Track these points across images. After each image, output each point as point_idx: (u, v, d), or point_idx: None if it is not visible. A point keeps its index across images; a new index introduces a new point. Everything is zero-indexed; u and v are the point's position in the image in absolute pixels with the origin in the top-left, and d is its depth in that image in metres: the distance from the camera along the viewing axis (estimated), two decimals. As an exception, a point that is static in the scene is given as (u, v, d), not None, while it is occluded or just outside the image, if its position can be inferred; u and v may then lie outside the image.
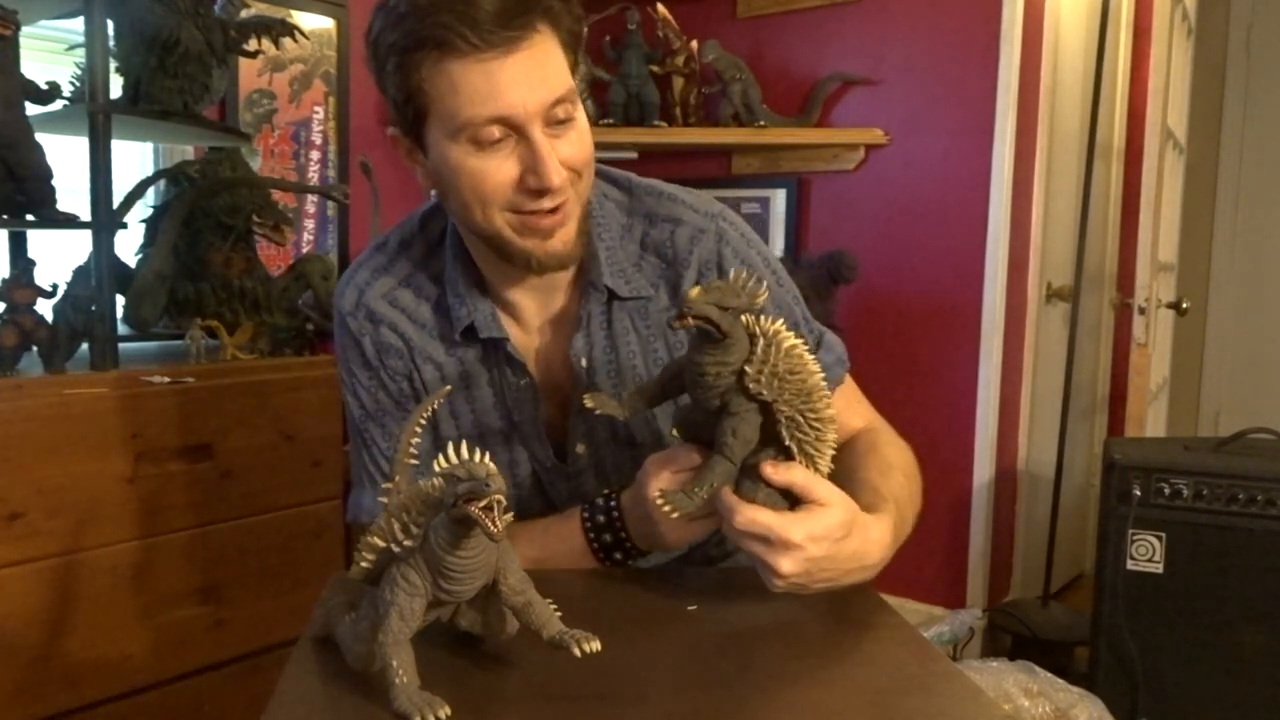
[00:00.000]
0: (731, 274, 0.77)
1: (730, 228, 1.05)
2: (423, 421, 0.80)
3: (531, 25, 0.86)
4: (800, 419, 0.81)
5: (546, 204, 0.90)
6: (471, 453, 0.66)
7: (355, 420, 1.08)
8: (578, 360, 1.02)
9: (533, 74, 0.86)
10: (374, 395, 1.05)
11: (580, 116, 0.92)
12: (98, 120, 1.56)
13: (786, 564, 0.80)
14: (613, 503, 0.95)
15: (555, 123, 0.89)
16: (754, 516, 0.81)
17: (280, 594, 1.73)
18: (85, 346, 1.57)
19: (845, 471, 0.96)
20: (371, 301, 1.04)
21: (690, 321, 0.77)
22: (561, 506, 1.04)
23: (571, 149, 0.91)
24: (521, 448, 1.05)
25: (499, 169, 0.89)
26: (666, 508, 0.81)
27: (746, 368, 0.79)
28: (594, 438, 1.05)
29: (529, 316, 1.04)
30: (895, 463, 1.04)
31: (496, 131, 0.87)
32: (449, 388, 0.88)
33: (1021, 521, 2.79)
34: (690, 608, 0.86)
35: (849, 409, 1.09)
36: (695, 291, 0.77)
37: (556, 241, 0.93)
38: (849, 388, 1.12)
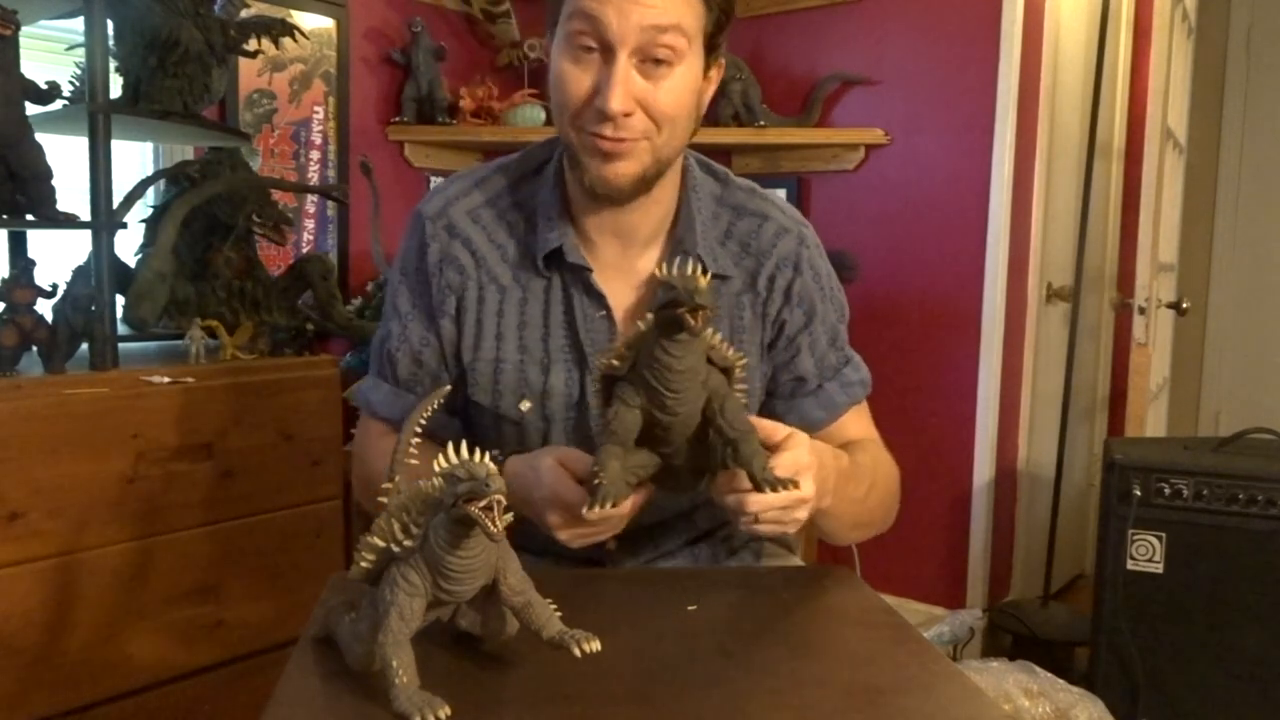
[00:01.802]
0: (689, 266, 0.76)
1: (811, 236, 1.12)
2: (422, 421, 0.80)
3: None
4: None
5: (608, 131, 0.92)
6: (471, 452, 0.66)
7: (385, 314, 1.11)
8: None
9: (643, 1, 0.88)
10: (413, 299, 1.08)
11: (684, 72, 0.94)
12: (98, 120, 1.56)
13: (807, 485, 0.85)
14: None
15: (652, 60, 0.91)
16: (763, 500, 0.83)
17: (280, 594, 1.73)
18: (85, 346, 1.56)
19: None
20: (455, 214, 1.07)
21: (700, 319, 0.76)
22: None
23: (657, 95, 0.93)
24: (575, 374, 1.06)
25: (578, 78, 0.93)
26: (606, 503, 0.79)
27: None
28: None
29: (610, 260, 1.06)
30: (871, 455, 1.09)
31: (589, 40, 0.91)
32: (447, 387, 0.88)
33: (1021, 521, 2.79)
34: (690, 608, 0.86)
35: (854, 426, 1.13)
36: (705, 281, 0.75)
37: (611, 170, 0.95)
38: (863, 409, 1.16)
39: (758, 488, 0.78)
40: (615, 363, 0.81)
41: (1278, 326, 3.67)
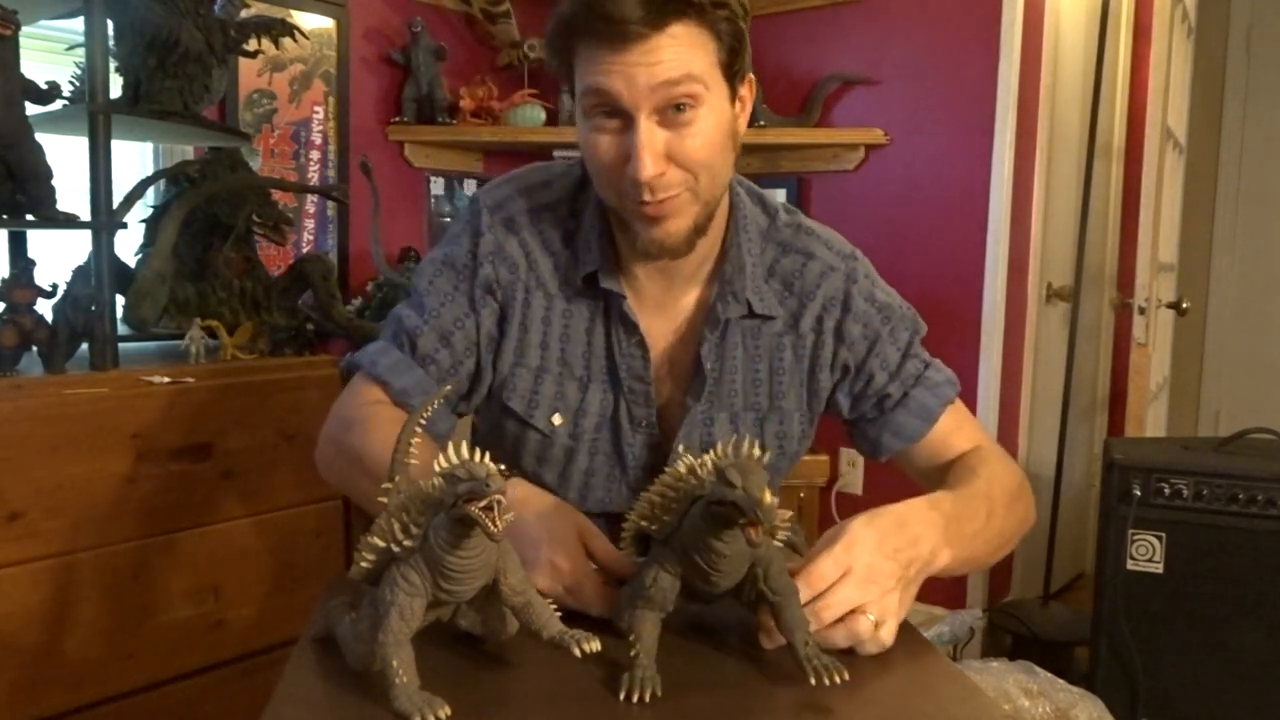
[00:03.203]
0: (745, 449, 0.71)
1: (860, 269, 1.09)
2: (423, 421, 0.80)
3: (658, 24, 0.87)
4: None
5: (645, 196, 0.91)
6: (471, 453, 0.66)
7: (415, 293, 1.07)
8: (706, 361, 1.04)
9: (645, 62, 0.87)
10: (455, 282, 1.05)
11: (706, 115, 0.91)
12: (98, 120, 1.56)
13: (863, 627, 0.78)
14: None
15: (673, 110, 0.89)
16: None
17: (280, 594, 1.73)
18: (85, 346, 1.56)
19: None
20: (514, 210, 1.06)
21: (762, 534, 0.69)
22: (630, 469, 1.06)
23: (686, 145, 0.91)
24: (611, 396, 1.05)
25: (607, 149, 0.92)
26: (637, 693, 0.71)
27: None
28: (690, 442, 1.05)
29: (652, 293, 1.05)
30: (982, 473, 1.02)
31: (605, 110, 0.90)
32: (449, 387, 0.87)
33: (1021, 521, 2.79)
34: (691, 607, 0.86)
35: (958, 430, 1.10)
36: (770, 497, 0.68)
37: (661, 231, 0.94)
38: (958, 409, 1.11)
39: (799, 664, 0.72)
40: (653, 528, 0.77)
41: (1278, 326, 3.67)
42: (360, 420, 1.01)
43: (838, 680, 0.70)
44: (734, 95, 0.95)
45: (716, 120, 0.93)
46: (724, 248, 1.05)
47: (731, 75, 0.94)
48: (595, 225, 1.03)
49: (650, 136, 0.89)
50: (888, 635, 0.79)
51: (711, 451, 0.73)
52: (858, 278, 1.08)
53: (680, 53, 0.88)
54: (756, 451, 0.70)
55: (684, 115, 0.90)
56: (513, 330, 1.05)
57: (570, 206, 1.06)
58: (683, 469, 0.75)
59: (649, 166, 0.89)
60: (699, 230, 0.97)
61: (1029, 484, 1.08)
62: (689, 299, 1.06)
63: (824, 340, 1.07)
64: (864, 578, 0.79)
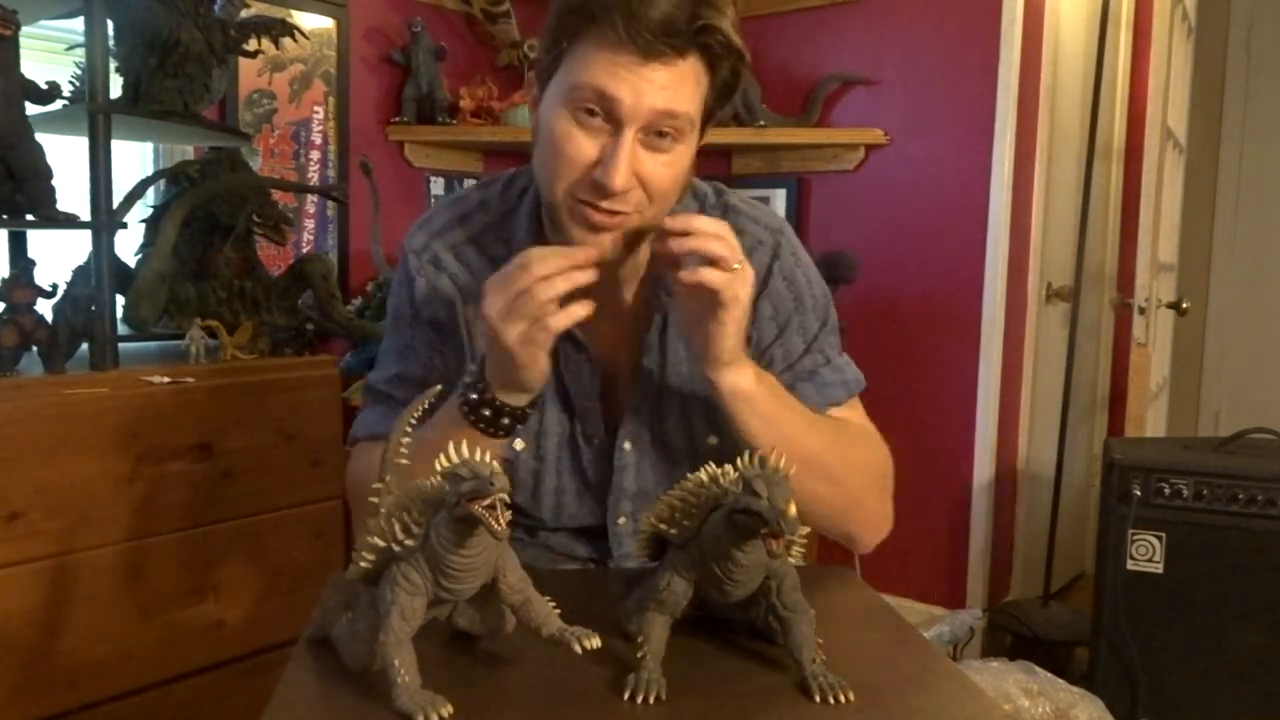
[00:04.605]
0: (771, 461, 0.70)
1: (786, 244, 1.07)
2: (412, 422, 0.80)
3: (684, 51, 0.87)
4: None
5: (604, 204, 0.90)
6: (472, 451, 0.66)
7: (382, 354, 1.11)
8: (645, 359, 1.03)
9: (657, 82, 0.87)
10: (410, 330, 1.07)
11: (682, 151, 0.92)
12: (98, 120, 1.56)
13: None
14: (475, 370, 0.94)
15: (656, 135, 0.89)
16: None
17: (280, 594, 1.73)
18: (85, 346, 1.56)
19: None
20: (439, 250, 1.06)
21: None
22: (592, 484, 1.06)
23: (656, 169, 0.90)
24: (565, 416, 1.05)
25: (581, 145, 0.90)
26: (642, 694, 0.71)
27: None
28: (640, 440, 1.05)
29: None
30: (845, 427, 1.04)
31: (596, 109, 0.88)
32: (439, 387, 0.87)
33: (1021, 521, 2.79)
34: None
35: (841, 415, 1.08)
36: (794, 510, 0.68)
37: (595, 241, 0.93)
38: (850, 411, 1.09)
39: (804, 682, 0.72)
40: (672, 532, 0.77)
41: (1278, 326, 3.67)
42: (364, 466, 1.04)
43: (843, 699, 0.70)
44: (701, 135, 0.96)
45: (688, 157, 0.94)
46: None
47: (707, 118, 0.95)
48: (530, 243, 1.00)
49: (631, 150, 0.88)
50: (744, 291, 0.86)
51: (739, 460, 0.72)
52: (781, 253, 1.06)
53: (687, 88, 0.89)
54: (782, 463, 0.70)
55: (664, 143, 0.90)
56: (465, 365, 1.04)
57: (496, 234, 1.05)
58: (705, 476, 0.75)
59: (622, 176, 0.88)
60: (632, 249, 0.97)
61: (891, 481, 1.06)
62: (625, 301, 1.05)
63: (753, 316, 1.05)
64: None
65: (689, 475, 0.77)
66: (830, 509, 1.00)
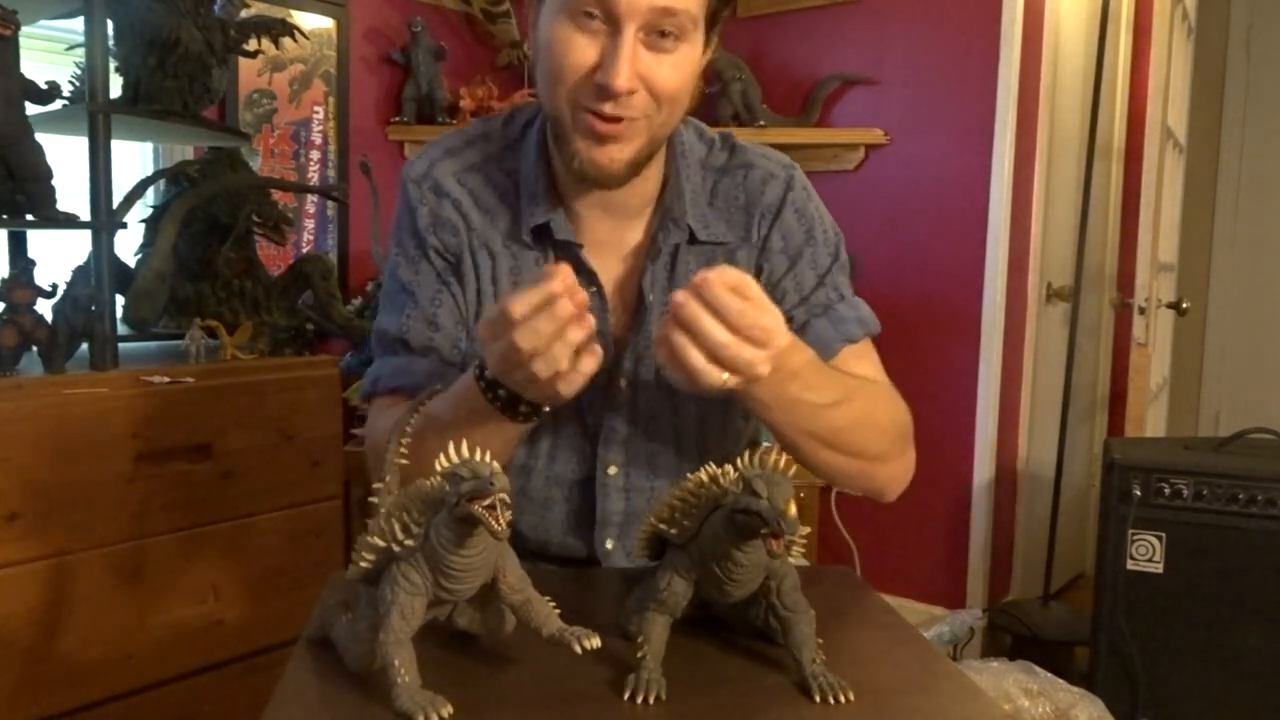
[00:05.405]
0: (771, 460, 0.70)
1: (799, 179, 1.06)
2: (412, 422, 0.80)
3: None
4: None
5: (607, 109, 0.88)
6: (472, 451, 0.66)
7: (385, 298, 1.06)
8: (648, 292, 1.01)
9: None
10: (414, 265, 1.03)
11: (688, 50, 0.90)
12: (98, 120, 1.56)
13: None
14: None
15: (658, 34, 0.88)
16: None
17: (280, 594, 1.73)
18: (85, 346, 1.56)
19: None
20: (440, 175, 1.03)
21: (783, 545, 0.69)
22: (594, 430, 1.03)
23: (662, 71, 0.89)
24: None
25: (582, 49, 0.88)
26: (642, 694, 0.70)
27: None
28: (637, 378, 1.03)
29: (599, 235, 1.02)
30: (869, 385, 1.00)
31: (595, 10, 0.86)
32: (439, 386, 0.86)
33: (1021, 521, 2.79)
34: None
35: (856, 363, 1.05)
36: (794, 510, 0.68)
37: (604, 154, 0.91)
38: (863, 350, 1.06)
39: (804, 683, 0.71)
40: (672, 532, 0.77)
41: (1278, 326, 3.67)
42: (380, 428, 0.98)
43: (843, 699, 0.70)
44: (707, 42, 0.95)
45: (693, 59, 0.92)
46: (665, 179, 1.03)
47: (712, 24, 0.93)
48: (538, 172, 1.00)
49: (633, 50, 0.87)
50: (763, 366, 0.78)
51: (739, 460, 0.72)
52: (795, 186, 1.05)
53: None
54: (783, 463, 0.70)
55: (667, 43, 0.88)
56: (471, 296, 1.02)
57: (500, 165, 1.03)
58: (705, 476, 0.75)
59: (625, 76, 0.86)
60: (639, 163, 0.94)
61: (911, 432, 1.06)
62: (634, 233, 1.03)
63: (765, 247, 1.04)
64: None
65: (689, 475, 0.77)
66: (856, 471, 1.00)
